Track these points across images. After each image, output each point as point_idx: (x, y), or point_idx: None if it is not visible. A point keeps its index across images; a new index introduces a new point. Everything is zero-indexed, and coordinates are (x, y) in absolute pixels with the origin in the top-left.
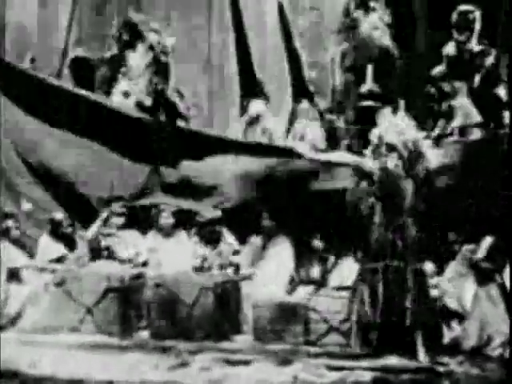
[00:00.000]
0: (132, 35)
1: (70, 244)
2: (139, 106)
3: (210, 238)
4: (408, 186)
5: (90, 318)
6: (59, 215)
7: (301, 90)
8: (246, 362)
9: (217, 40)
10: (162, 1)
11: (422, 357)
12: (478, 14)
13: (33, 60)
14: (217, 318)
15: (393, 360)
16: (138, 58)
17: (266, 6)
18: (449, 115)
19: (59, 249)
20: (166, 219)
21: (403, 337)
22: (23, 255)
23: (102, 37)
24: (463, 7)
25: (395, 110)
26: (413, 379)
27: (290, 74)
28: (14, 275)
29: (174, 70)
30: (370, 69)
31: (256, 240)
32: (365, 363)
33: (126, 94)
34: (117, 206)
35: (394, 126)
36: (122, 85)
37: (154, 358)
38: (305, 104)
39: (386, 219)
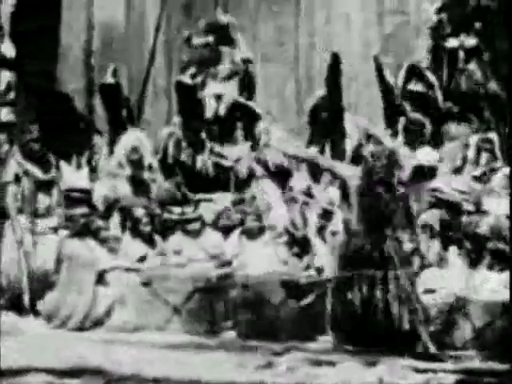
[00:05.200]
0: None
1: (151, 242)
2: (234, 106)
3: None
4: None
5: (177, 318)
6: (139, 212)
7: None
8: (331, 363)
9: (304, 41)
10: (249, 1)
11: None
12: None
13: (115, 72)
14: (302, 318)
15: (476, 363)
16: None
17: None
18: None
19: (141, 247)
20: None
21: None
22: (109, 256)
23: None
24: None
25: None
26: (496, 382)
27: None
28: (101, 276)
29: (261, 70)
30: None
31: None
32: (449, 366)
33: (219, 97)
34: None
35: None
36: (213, 87)
37: (240, 357)
38: None
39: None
